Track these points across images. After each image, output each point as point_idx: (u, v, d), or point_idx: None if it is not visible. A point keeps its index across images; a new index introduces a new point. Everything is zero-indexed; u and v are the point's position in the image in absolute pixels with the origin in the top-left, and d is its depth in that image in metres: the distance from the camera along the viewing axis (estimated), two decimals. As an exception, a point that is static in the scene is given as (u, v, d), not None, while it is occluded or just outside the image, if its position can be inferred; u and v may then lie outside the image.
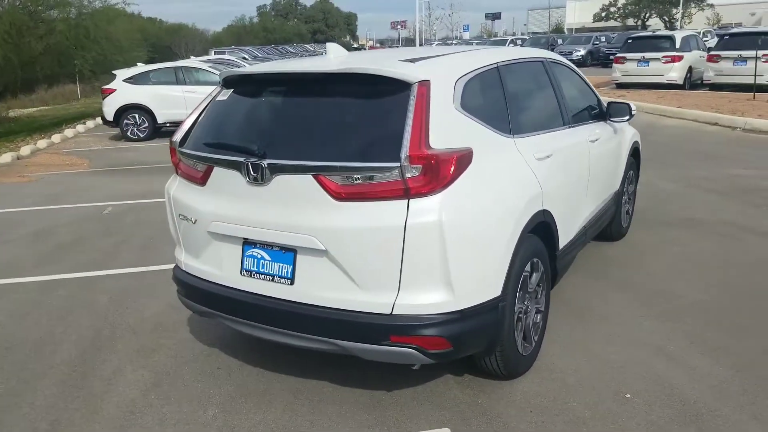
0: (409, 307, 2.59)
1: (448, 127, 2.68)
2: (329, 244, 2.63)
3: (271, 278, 2.84)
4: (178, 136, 3.20)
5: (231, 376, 3.39)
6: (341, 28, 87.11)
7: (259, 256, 2.87)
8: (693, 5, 67.10)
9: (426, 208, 2.52)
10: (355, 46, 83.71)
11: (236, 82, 3.18)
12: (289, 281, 2.79)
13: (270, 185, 2.75)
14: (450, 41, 65.19)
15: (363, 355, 2.73)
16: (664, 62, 16.91)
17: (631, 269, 4.74)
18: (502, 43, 35.52)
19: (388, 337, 2.62)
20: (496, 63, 3.31)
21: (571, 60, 13.95)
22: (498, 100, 3.20)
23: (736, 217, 6.01)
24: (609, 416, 2.91)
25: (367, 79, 2.73)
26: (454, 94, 2.82)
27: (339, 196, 2.60)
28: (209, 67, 13.37)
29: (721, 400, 2.99)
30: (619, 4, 76.68)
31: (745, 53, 15.20)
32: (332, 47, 3.19)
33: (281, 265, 2.81)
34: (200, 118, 3.21)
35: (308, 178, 2.64)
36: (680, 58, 16.83)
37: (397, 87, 2.68)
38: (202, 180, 3.03)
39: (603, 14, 78.32)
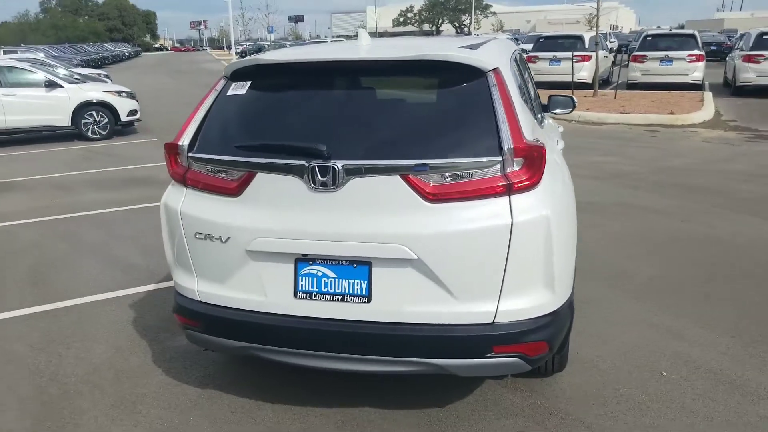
0: (512, 314, 2.39)
1: (523, 117, 2.52)
2: (422, 251, 2.32)
3: (339, 298, 2.43)
4: (184, 141, 2.61)
5: (254, 418, 2.87)
6: (140, 27, 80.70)
7: (320, 274, 2.45)
8: (480, 13, 74.26)
9: (530, 204, 2.34)
10: (156, 46, 78.41)
11: (257, 74, 2.65)
12: (365, 299, 2.41)
13: (342, 190, 2.35)
14: (263, 42, 64.07)
15: (461, 372, 2.47)
16: (490, 63, 18.29)
17: (577, 253, 4.98)
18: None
19: (491, 349, 2.39)
20: (512, 52, 3.22)
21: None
22: (524, 91, 3.11)
23: (625, 198, 6.67)
24: (663, 396, 2.98)
25: (435, 66, 2.45)
26: (515, 83, 2.67)
27: (434, 197, 2.31)
28: (29, 66, 11.43)
29: (740, 365, 3.24)
30: (415, 11, 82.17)
31: (558, 54, 17.10)
32: (363, 34, 2.84)
33: (353, 281, 2.42)
34: (209, 118, 2.64)
35: (395, 180, 2.31)
36: (504, 59, 18.37)
37: (471, 75, 2.46)
38: (236, 190, 2.49)
39: (401, 19, 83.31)
